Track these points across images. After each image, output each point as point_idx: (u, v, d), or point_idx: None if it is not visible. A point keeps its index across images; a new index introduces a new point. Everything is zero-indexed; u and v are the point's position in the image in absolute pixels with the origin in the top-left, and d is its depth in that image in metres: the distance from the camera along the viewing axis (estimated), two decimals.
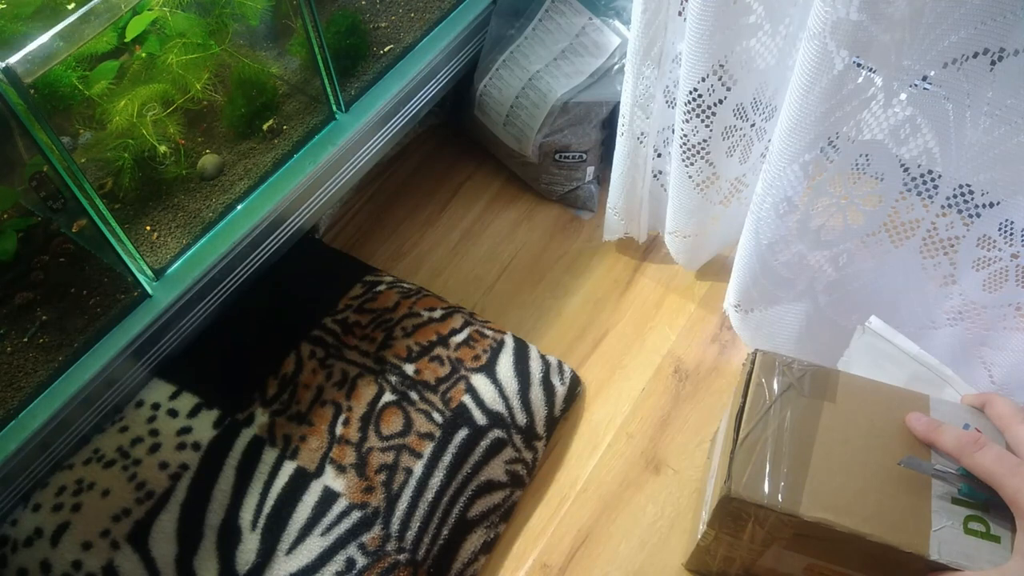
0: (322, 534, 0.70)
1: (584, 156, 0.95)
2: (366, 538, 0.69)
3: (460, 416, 0.75)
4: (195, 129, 0.82)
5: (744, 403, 0.59)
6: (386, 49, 0.88)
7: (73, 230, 0.74)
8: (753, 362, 0.61)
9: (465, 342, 0.81)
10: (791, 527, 0.56)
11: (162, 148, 0.76)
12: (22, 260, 0.73)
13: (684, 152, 0.76)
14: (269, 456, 0.74)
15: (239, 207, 0.78)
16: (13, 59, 0.56)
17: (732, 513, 0.58)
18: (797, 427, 0.57)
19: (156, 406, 0.75)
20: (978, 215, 0.60)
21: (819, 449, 0.56)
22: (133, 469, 0.72)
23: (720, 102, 0.71)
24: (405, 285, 0.87)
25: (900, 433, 0.57)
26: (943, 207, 0.61)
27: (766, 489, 0.55)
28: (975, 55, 0.52)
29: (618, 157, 0.85)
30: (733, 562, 0.66)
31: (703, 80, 0.69)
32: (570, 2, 0.93)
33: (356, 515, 0.70)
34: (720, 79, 0.69)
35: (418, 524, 0.70)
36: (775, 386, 0.60)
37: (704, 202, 0.81)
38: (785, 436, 0.57)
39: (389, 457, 0.73)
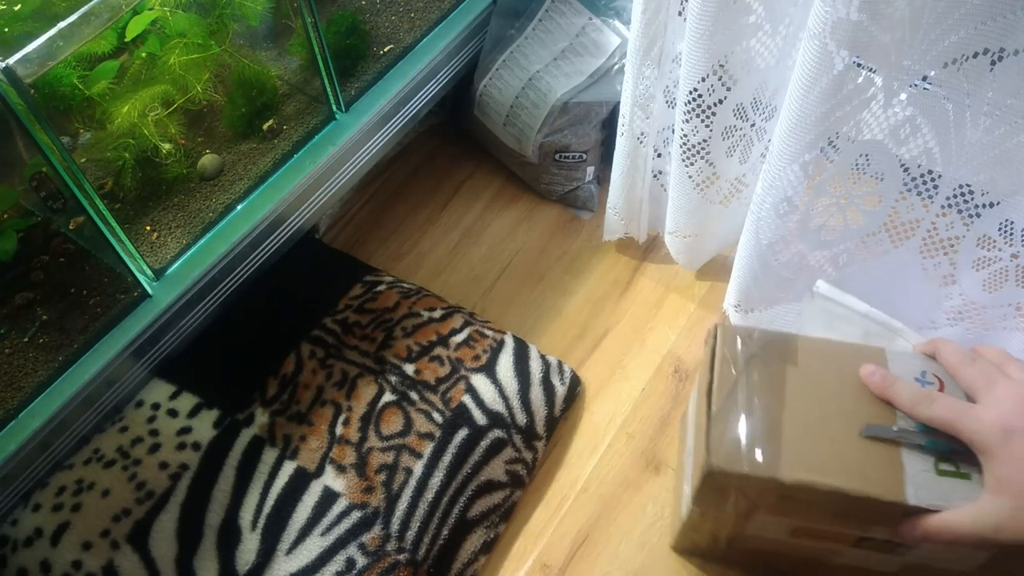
0: (322, 534, 0.70)
1: (584, 156, 0.95)
2: (366, 538, 0.69)
3: (460, 416, 0.75)
4: (195, 129, 0.82)
5: (712, 378, 0.60)
6: (386, 49, 0.88)
7: (71, 227, 0.74)
8: (715, 336, 0.62)
9: (465, 342, 0.81)
10: (774, 492, 0.57)
11: (166, 147, 0.76)
12: (22, 260, 0.73)
13: (684, 152, 0.76)
14: (269, 456, 0.74)
15: (239, 207, 0.78)
16: (13, 59, 0.56)
17: (716, 486, 0.59)
18: (766, 395, 0.59)
19: (156, 406, 0.75)
20: (978, 215, 0.60)
21: (789, 413, 0.58)
22: (133, 469, 0.72)
23: (720, 102, 0.71)
24: (405, 285, 0.87)
25: (863, 387, 0.58)
26: (943, 207, 0.61)
27: (745, 458, 0.56)
28: (975, 55, 0.52)
29: (618, 157, 0.85)
30: (719, 537, 0.67)
31: (703, 80, 0.69)
32: (570, 2, 0.93)
33: (356, 515, 0.70)
34: (720, 79, 0.69)
35: (418, 524, 0.70)
36: (739, 358, 0.61)
37: (704, 202, 0.81)
38: (756, 405, 0.58)
39: (389, 457, 0.73)
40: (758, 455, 0.56)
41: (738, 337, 0.62)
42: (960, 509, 0.51)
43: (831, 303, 0.66)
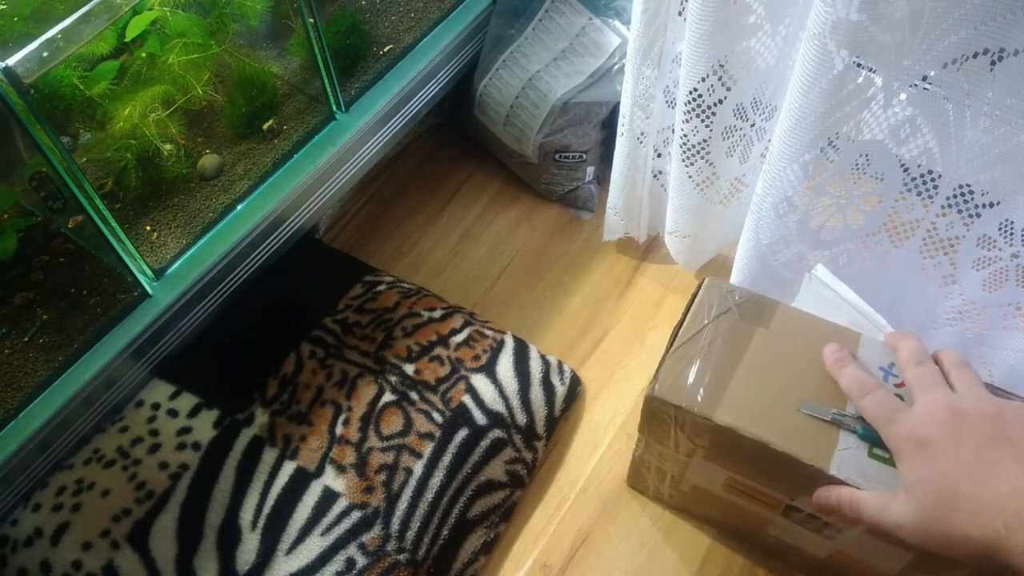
0: (322, 534, 0.70)
1: (584, 156, 0.95)
2: (366, 538, 0.69)
3: (460, 416, 0.75)
4: (195, 129, 0.82)
5: (684, 319, 0.62)
6: (386, 49, 0.88)
7: (70, 226, 0.74)
8: (701, 286, 0.64)
9: (465, 342, 0.81)
10: (707, 432, 0.58)
11: (167, 147, 0.76)
12: (22, 260, 0.73)
13: (684, 152, 0.76)
14: (269, 456, 0.74)
15: (239, 207, 0.78)
16: (13, 59, 0.56)
17: (655, 415, 0.61)
18: (727, 345, 0.60)
19: (156, 406, 0.75)
20: (978, 215, 0.60)
21: (744, 366, 0.59)
22: (133, 469, 0.72)
23: (720, 102, 0.71)
24: (405, 285, 0.87)
25: (823, 362, 0.59)
26: (943, 207, 0.61)
27: (687, 393, 0.58)
28: (975, 55, 0.52)
29: (618, 157, 0.85)
30: (665, 476, 0.69)
31: (703, 80, 0.69)
32: (570, 2, 0.93)
33: (356, 515, 0.70)
34: (720, 79, 0.69)
35: (418, 524, 0.70)
36: (715, 308, 0.63)
37: (704, 202, 0.81)
38: (715, 351, 0.60)
39: (389, 457, 0.73)
40: (699, 393, 0.58)
41: (722, 290, 0.63)
42: (874, 493, 0.52)
43: (825, 289, 0.67)
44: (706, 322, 0.62)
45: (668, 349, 0.61)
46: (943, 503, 0.48)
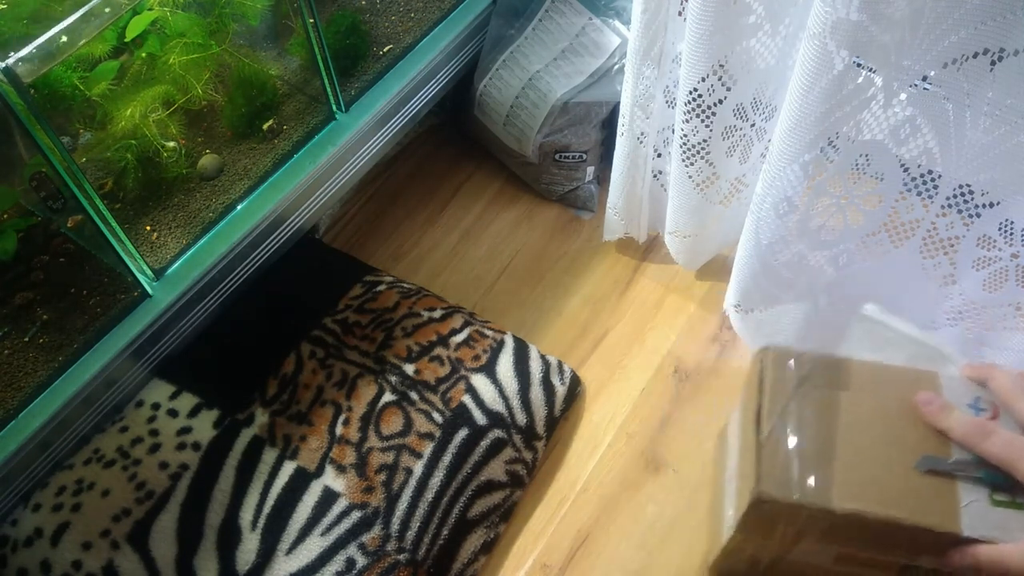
0: (322, 534, 0.70)
1: (584, 156, 0.95)
2: (366, 538, 0.69)
3: (460, 416, 0.75)
4: (195, 129, 0.82)
5: (761, 402, 0.59)
6: (386, 49, 0.88)
7: (69, 225, 0.74)
8: (763, 359, 0.61)
9: (465, 342, 0.81)
10: (824, 520, 0.55)
11: (170, 144, 0.76)
12: (22, 260, 0.73)
13: (684, 152, 0.76)
14: (269, 456, 0.74)
15: (239, 207, 0.78)
16: (13, 59, 0.56)
17: (764, 514, 0.57)
18: (817, 420, 0.57)
19: (156, 406, 0.75)
20: (978, 215, 0.60)
21: (841, 440, 0.56)
22: (133, 469, 0.72)
23: (720, 102, 0.71)
24: (405, 285, 0.87)
25: (916, 413, 0.56)
26: (943, 207, 0.61)
27: (796, 486, 0.55)
28: (975, 55, 0.52)
29: (618, 157, 0.85)
30: (760, 561, 0.66)
31: (703, 80, 0.69)
32: (570, 2, 0.93)
33: (356, 515, 0.70)
34: (720, 79, 0.69)
35: (418, 524, 0.70)
36: (790, 381, 0.59)
37: (704, 202, 0.81)
38: (807, 431, 0.57)
39: (389, 457, 0.73)
40: (810, 483, 0.54)
41: (789, 360, 0.60)
42: (1016, 545, 0.50)
43: (878, 326, 0.65)
44: (786, 400, 0.58)
45: (758, 438, 0.57)
46: None
